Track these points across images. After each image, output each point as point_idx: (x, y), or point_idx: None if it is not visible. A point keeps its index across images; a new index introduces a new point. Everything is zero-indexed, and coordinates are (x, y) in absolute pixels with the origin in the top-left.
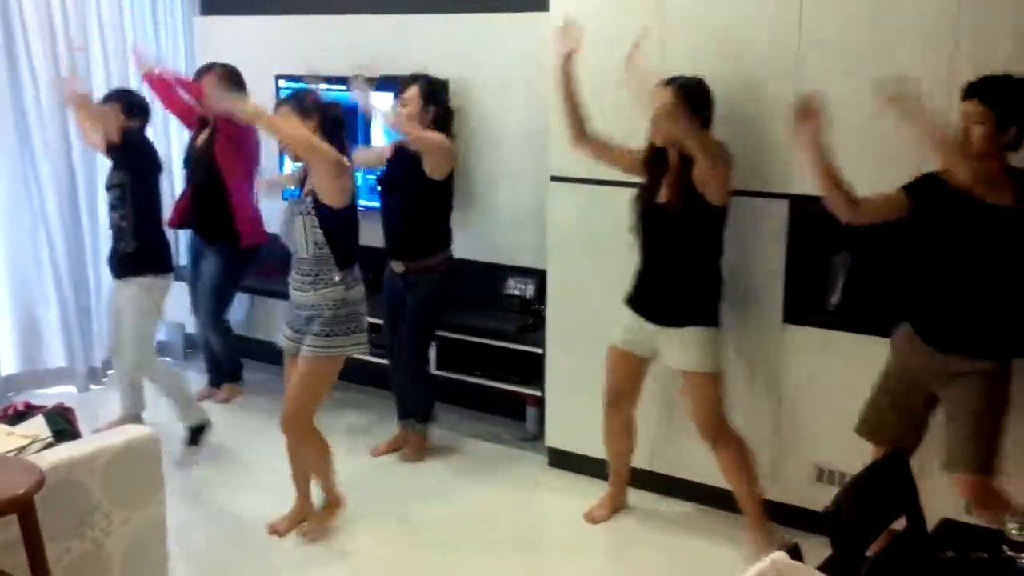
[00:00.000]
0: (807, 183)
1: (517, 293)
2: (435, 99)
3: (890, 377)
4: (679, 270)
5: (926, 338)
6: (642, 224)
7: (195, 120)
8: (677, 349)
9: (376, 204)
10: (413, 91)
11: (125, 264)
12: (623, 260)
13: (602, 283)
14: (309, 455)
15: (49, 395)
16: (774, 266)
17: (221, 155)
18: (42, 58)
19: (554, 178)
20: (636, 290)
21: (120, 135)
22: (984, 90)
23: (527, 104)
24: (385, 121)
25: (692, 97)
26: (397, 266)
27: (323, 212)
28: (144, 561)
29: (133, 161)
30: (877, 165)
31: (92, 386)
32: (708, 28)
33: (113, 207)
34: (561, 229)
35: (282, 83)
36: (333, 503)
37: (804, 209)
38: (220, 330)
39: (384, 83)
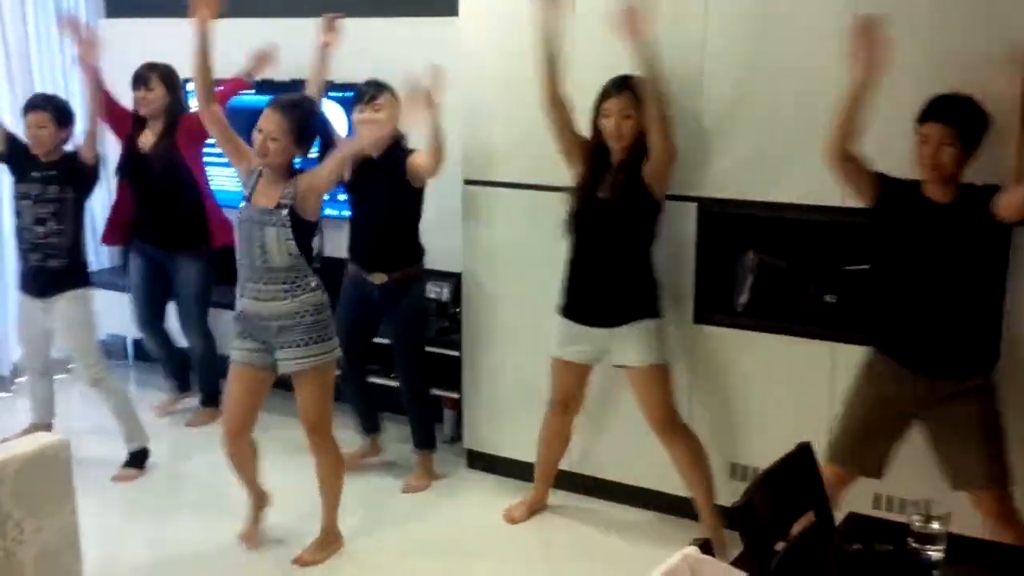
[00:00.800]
0: (715, 185)
1: (433, 296)
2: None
3: (864, 405)
4: (621, 266)
5: (907, 364)
6: (579, 220)
7: (129, 124)
8: (627, 346)
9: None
10: (387, 97)
11: (59, 280)
12: (538, 262)
13: (518, 286)
14: (329, 467)
15: None
16: (685, 267)
17: (188, 153)
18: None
19: (468, 181)
20: (572, 297)
21: (58, 149)
22: (945, 112)
23: (441, 107)
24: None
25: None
26: (377, 277)
27: (299, 224)
28: (56, 570)
29: (80, 179)
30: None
31: (0, 394)
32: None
33: (41, 221)
34: (476, 232)
35: (190, 86)
36: (332, 533)
37: (712, 211)
38: (206, 335)
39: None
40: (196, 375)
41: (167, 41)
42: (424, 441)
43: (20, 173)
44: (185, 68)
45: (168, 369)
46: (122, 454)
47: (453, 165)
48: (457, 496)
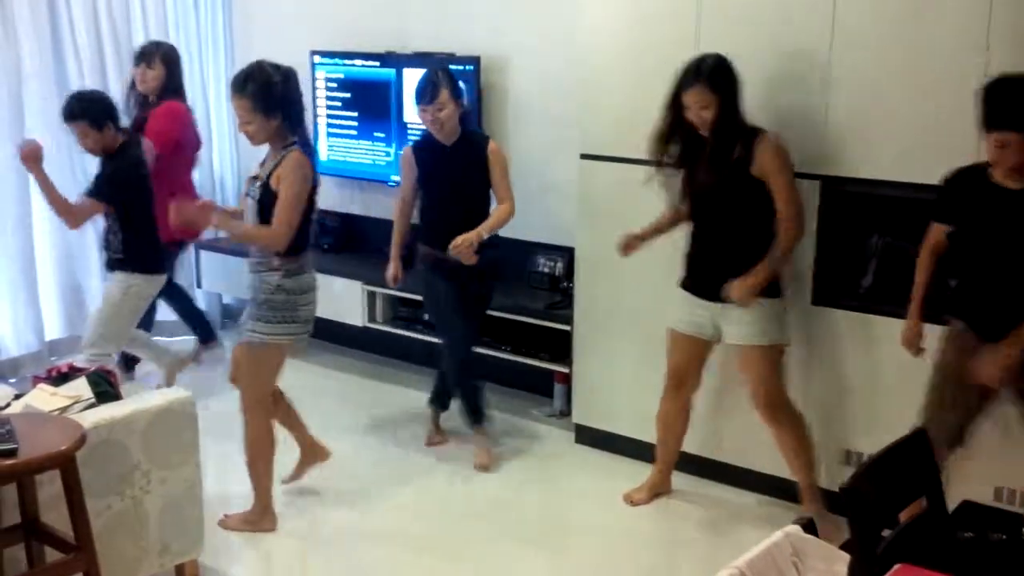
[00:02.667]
0: (839, 164)
1: (546, 270)
2: (460, 91)
3: (948, 377)
4: (736, 242)
5: (984, 336)
6: (690, 200)
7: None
8: (738, 324)
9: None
10: (444, 94)
11: (114, 263)
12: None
13: (631, 261)
14: (256, 442)
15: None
16: (806, 247)
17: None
18: (85, 36)
19: (584, 156)
20: (692, 271)
21: (111, 147)
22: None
23: (558, 81)
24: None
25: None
26: (470, 258)
27: (267, 200)
28: (179, 519)
29: (119, 191)
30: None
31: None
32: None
33: (105, 217)
34: (590, 207)
35: (317, 59)
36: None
37: (837, 190)
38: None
39: (417, 60)
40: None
41: (296, 12)
42: (478, 416)
43: None
44: (313, 42)
45: (192, 320)
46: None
47: (569, 138)
48: (566, 470)
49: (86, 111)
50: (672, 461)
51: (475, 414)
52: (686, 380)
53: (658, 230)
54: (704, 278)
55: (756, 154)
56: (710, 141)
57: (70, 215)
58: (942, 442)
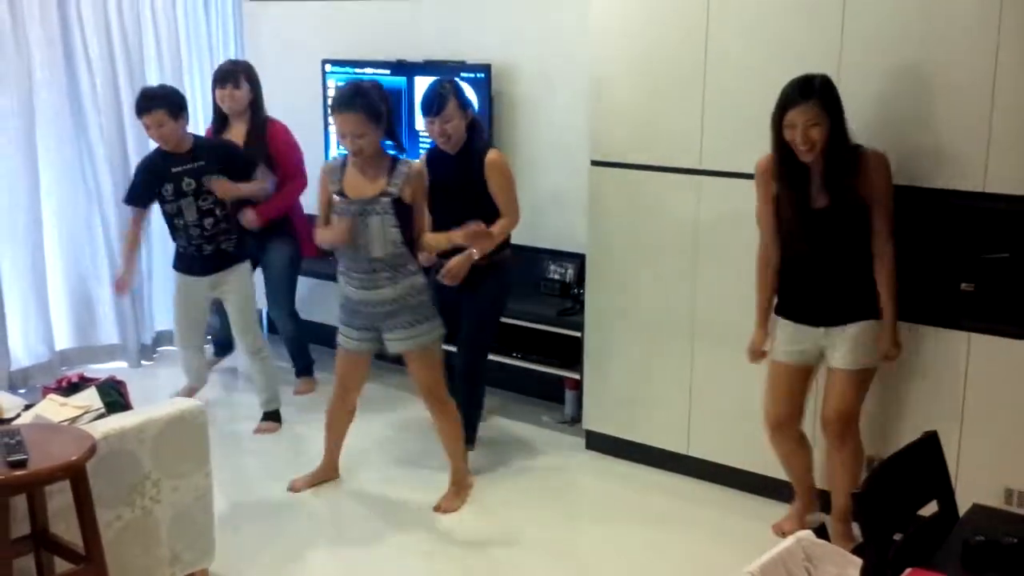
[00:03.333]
0: None
1: (557, 277)
2: (467, 102)
3: None
4: (849, 267)
5: None
6: (796, 232)
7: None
8: (842, 347)
9: None
10: (452, 106)
11: (230, 257)
12: (664, 245)
13: (643, 268)
14: (451, 428)
15: (102, 370)
16: None
17: (280, 159)
18: (96, 46)
19: (595, 162)
20: (798, 298)
21: (186, 139)
22: None
23: (569, 89)
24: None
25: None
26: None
27: (401, 211)
28: (191, 528)
29: (227, 161)
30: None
31: (143, 362)
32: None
33: (208, 212)
34: (601, 213)
35: (328, 67)
36: (461, 480)
37: None
38: (293, 314)
39: (428, 68)
40: (288, 351)
41: (307, 22)
42: (468, 436)
43: (162, 179)
44: (325, 50)
45: (219, 335)
46: (239, 426)
47: (580, 145)
48: (576, 476)
49: (166, 97)
50: (808, 488)
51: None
52: (785, 419)
53: (766, 311)
54: (813, 303)
55: (866, 173)
56: (822, 162)
57: (265, 190)
58: None
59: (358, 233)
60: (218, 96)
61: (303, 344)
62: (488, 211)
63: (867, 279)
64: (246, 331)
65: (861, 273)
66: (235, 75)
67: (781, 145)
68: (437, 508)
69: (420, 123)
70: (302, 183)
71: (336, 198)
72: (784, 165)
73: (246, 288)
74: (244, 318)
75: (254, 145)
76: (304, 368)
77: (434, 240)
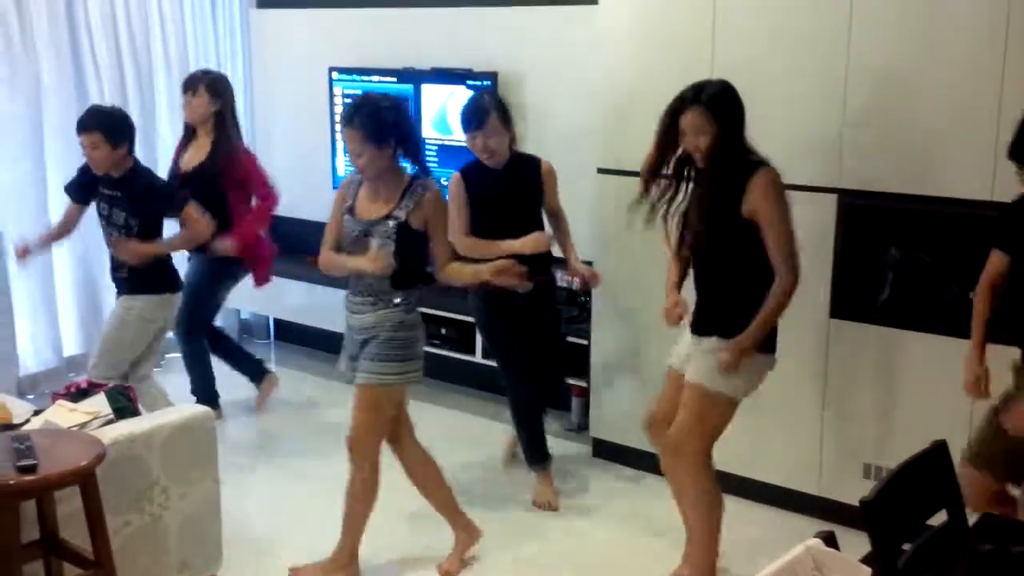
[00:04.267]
0: (856, 178)
1: (564, 285)
2: (509, 116)
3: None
4: (729, 288)
5: None
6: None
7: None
8: (695, 360)
9: None
10: (494, 119)
11: (125, 284)
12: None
13: (649, 275)
14: (359, 491)
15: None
16: (822, 260)
17: (233, 192)
18: (105, 53)
19: (601, 170)
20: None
21: (120, 166)
22: None
23: (576, 97)
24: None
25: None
26: (523, 286)
27: (405, 238)
28: (199, 534)
29: (145, 204)
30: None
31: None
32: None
33: (110, 241)
34: (608, 221)
35: (335, 75)
36: (345, 556)
37: (853, 204)
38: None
39: (435, 75)
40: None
41: (313, 30)
42: (536, 456)
43: (94, 191)
44: (331, 58)
45: (242, 365)
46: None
47: (586, 153)
48: (581, 484)
49: (107, 121)
50: None
51: (534, 453)
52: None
53: (677, 285)
54: (696, 310)
55: (750, 191)
56: (704, 175)
57: (196, 238)
58: (989, 472)
59: (357, 252)
60: (183, 104)
61: (198, 370)
62: (536, 224)
63: (743, 296)
64: (97, 361)
65: (738, 289)
66: (194, 83)
67: (669, 150)
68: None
69: (427, 131)
70: (274, 201)
71: (345, 216)
72: (676, 174)
73: (123, 316)
74: (103, 346)
75: (209, 158)
76: (206, 398)
77: (456, 274)
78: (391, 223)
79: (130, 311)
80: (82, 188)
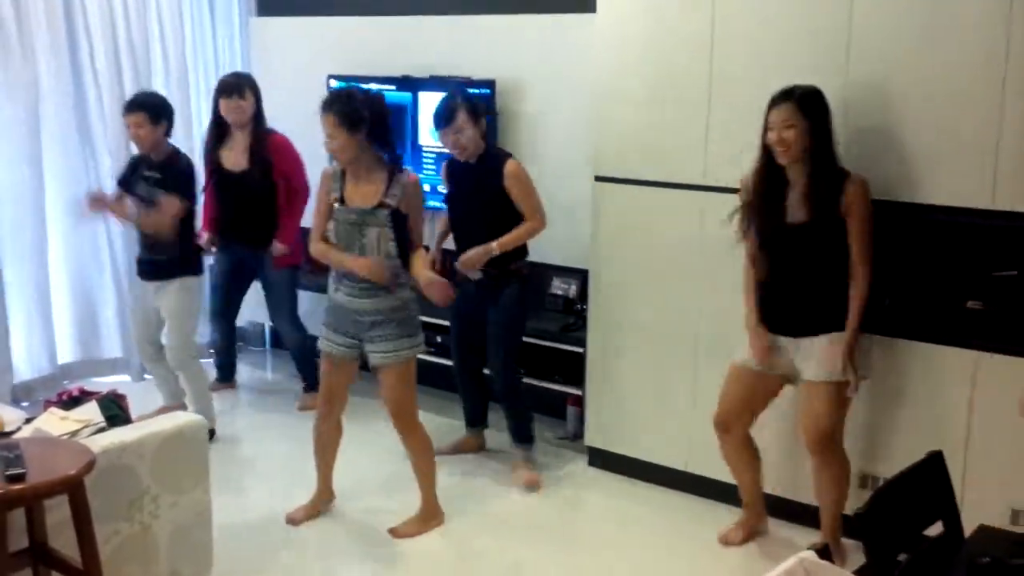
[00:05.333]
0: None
1: (560, 292)
2: (479, 113)
3: None
4: (821, 283)
5: None
6: (770, 246)
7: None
8: (811, 359)
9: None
10: (462, 117)
11: (167, 269)
12: (669, 260)
13: (647, 284)
14: (419, 457)
15: (104, 384)
16: None
17: (283, 173)
18: (103, 59)
19: (599, 178)
20: (770, 308)
21: (161, 146)
22: None
23: (573, 105)
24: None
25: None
26: (472, 274)
27: (398, 224)
28: (189, 544)
29: (181, 183)
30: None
31: (146, 376)
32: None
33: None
34: (605, 229)
35: (334, 83)
36: (431, 509)
37: None
38: (298, 327)
39: (433, 83)
40: (295, 364)
41: (313, 38)
42: (524, 436)
43: (135, 175)
44: (330, 66)
45: (223, 358)
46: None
47: (583, 161)
48: (578, 493)
49: (148, 101)
50: (755, 498)
51: (518, 435)
52: (732, 421)
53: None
54: (786, 315)
55: (847, 194)
56: (804, 177)
57: (162, 223)
58: None
59: (353, 243)
60: (223, 107)
61: (308, 357)
62: (509, 218)
63: (839, 294)
64: (171, 346)
65: (834, 287)
66: (240, 87)
67: (765, 151)
68: (393, 531)
69: (424, 138)
70: (307, 195)
71: (336, 205)
72: (765, 174)
73: (178, 303)
74: (172, 331)
75: (257, 157)
76: (313, 383)
77: (418, 271)
78: (385, 211)
79: (186, 284)
80: (128, 174)
